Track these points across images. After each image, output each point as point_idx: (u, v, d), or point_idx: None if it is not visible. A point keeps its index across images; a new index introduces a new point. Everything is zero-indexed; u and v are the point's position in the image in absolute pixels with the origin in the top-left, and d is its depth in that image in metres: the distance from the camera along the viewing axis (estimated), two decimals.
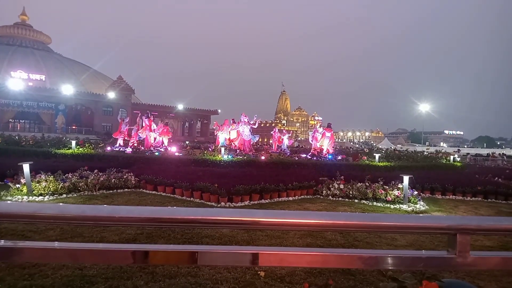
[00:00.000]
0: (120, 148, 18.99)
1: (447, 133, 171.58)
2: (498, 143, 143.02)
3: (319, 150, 19.43)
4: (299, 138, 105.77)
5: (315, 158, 18.25)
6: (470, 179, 13.13)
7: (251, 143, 21.46)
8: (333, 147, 20.18)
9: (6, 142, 19.58)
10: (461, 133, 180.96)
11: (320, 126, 22.07)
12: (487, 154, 43.79)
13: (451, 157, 22.10)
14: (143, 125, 19.99)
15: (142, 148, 19.22)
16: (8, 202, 3.91)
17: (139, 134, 19.85)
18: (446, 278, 1.84)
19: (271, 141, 30.63)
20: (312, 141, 20.32)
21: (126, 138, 20.24)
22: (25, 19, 77.71)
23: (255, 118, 21.50)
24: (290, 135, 28.27)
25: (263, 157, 17.07)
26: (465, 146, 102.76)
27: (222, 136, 21.38)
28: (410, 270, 1.84)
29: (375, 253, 1.27)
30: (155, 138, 20.17)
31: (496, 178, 14.71)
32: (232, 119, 22.21)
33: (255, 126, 20.97)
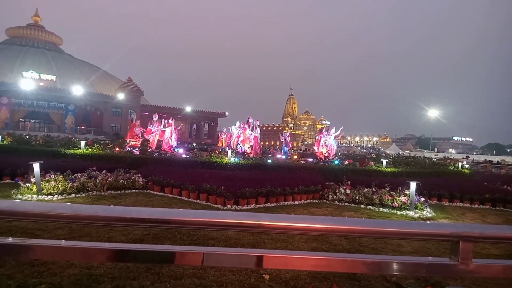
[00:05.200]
0: (128, 149, 19.14)
1: (456, 139, 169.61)
2: (508, 150, 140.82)
3: (326, 155, 19.45)
4: (306, 142, 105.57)
5: (321, 163, 18.25)
6: (478, 186, 12.99)
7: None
8: (328, 152, 19.96)
9: (17, 142, 19.87)
10: (470, 139, 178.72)
11: (325, 130, 21.87)
12: (497, 161, 43.33)
13: (459, 164, 21.89)
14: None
15: (151, 150, 19.37)
16: (23, 201, 3.99)
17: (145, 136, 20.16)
18: (451, 285, 1.85)
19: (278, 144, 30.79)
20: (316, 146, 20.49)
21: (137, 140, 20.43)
22: (38, 20, 78.92)
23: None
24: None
25: (269, 160, 17.09)
26: (474, 153, 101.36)
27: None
28: (413, 276, 1.86)
29: (378, 259, 1.29)
30: (165, 139, 20.43)
31: (505, 186, 14.53)
32: (243, 122, 22.46)
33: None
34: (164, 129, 20.61)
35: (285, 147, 23.71)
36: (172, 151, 20.04)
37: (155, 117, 21.09)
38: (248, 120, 21.21)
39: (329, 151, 19.72)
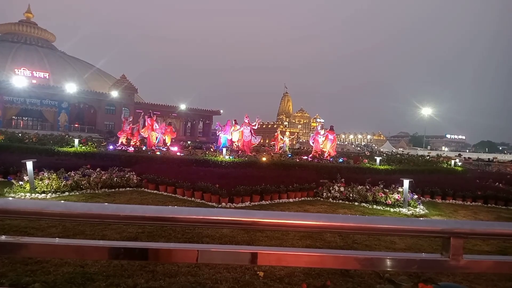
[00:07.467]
0: (122, 147, 19.08)
1: (449, 137, 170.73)
2: (500, 148, 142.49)
3: (320, 152, 19.48)
4: (300, 140, 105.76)
5: (316, 160, 18.28)
6: (471, 183, 13.12)
7: (253, 144, 21.64)
8: (335, 150, 20.18)
9: (10, 139, 19.68)
10: (463, 137, 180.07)
11: (321, 128, 21.97)
12: (488, 159, 43.82)
13: (452, 161, 22.09)
14: (145, 124, 20.17)
15: (144, 147, 19.33)
16: (16, 199, 3.95)
17: (141, 133, 20.11)
18: (443, 281, 1.87)
19: (272, 142, 30.75)
20: (313, 143, 20.39)
21: (129, 137, 20.42)
22: (30, 17, 78.03)
23: (257, 119, 21.69)
24: (290, 137, 28.27)
25: (264, 158, 17.11)
26: (467, 151, 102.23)
27: (224, 137, 21.54)
28: (405, 272, 1.88)
29: (371, 255, 1.30)
30: (156, 137, 20.36)
31: (497, 183, 14.69)
32: (234, 120, 22.36)
33: (256, 127, 21.16)
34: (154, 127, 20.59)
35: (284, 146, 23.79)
36: (168, 148, 20.07)
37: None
38: (244, 119, 21.11)
39: (324, 149, 19.82)
